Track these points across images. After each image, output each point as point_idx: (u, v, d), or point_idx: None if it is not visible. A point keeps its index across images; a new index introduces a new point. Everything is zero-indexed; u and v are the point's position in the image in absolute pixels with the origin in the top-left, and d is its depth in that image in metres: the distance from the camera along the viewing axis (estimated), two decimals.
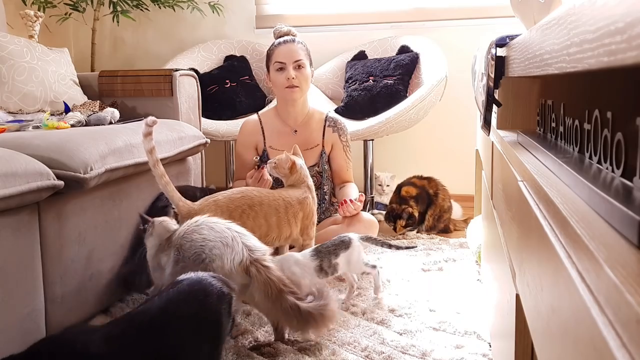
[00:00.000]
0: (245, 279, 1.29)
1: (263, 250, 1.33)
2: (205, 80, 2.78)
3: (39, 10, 2.82)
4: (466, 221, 2.51)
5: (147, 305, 1.10)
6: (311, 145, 2.08)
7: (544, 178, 0.55)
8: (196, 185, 2.23)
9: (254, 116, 2.15)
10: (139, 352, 1.04)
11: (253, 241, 1.34)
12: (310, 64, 2.06)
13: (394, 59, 2.73)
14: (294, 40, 2.03)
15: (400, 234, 2.37)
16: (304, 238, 1.77)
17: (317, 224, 2.07)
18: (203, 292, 1.10)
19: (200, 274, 1.15)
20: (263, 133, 2.09)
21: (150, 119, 1.46)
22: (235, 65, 2.95)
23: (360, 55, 2.89)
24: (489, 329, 1.36)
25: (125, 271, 1.62)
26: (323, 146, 2.08)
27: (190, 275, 1.14)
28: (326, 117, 2.11)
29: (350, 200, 1.91)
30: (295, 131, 2.08)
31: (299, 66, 2.00)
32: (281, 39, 2.05)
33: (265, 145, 2.08)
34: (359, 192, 2.09)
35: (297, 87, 2.00)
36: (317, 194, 2.05)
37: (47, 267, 1.32)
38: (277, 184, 1.91)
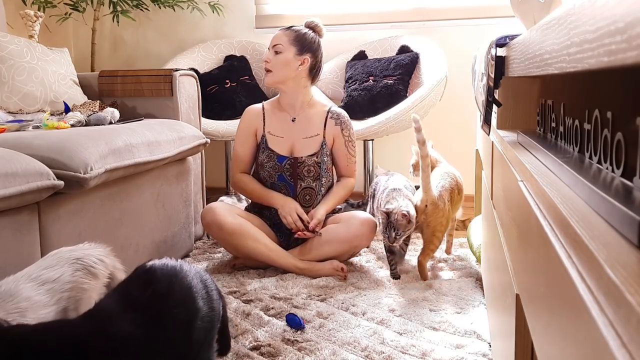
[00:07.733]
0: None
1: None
2: (205, 80, 2.78)
3: (39, 10, 2.82)
4: (465, 223, 2.51)
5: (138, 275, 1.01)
6: (310, 134, 2.06)
7: (544, 178, 0.55)
8: (196, 185, 2.23)
9: (259, 104, 2.16)
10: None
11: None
12: (300, 53, 2.01)
13: (394, 59, 2.73)
14: (289, 28, 2.05)
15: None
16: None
17: None
18: (183, 276, 1.02)
19: (177, 262, 1.05)
20: (264, 119, 2.10)
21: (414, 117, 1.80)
22: (235, 65, 2.94)
23: (360, 55, 2.89)
24: (489, 329, 1.36)
25: None
26: (324, 137, 2.07)
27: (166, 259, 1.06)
28: (329, 109, 2.10)
29: (304, 232, 1.94)
30: (294, 119, 2.08)
31: (275, 52, 2.01)
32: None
33: (264, 131, 2.08)
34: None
35: (270, 71, 2.00)
36: (314, 186, 2.04)
37: None
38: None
